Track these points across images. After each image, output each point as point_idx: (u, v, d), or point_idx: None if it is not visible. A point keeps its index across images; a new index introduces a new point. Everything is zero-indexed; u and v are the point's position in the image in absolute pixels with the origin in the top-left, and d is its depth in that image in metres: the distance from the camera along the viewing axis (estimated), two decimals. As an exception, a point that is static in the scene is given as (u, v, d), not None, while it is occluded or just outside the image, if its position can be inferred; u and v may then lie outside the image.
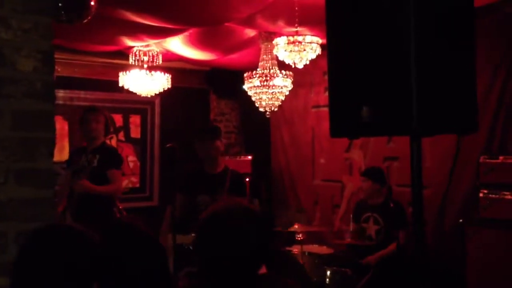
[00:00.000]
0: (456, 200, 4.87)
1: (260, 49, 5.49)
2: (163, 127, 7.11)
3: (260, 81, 5.14)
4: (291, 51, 4.59)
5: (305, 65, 4.76)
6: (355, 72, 1.73)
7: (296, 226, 4.88)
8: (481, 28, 4.34)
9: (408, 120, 1.59)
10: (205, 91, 7.70)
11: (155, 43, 5.85)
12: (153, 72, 5.88)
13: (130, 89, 5.95)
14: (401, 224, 4.63)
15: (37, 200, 1.81)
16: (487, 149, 4.60)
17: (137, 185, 6.98)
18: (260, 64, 5.38)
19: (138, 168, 7.00)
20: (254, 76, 5.18)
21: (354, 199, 5.71)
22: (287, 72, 5.19)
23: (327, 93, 1.86)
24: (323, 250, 5.05)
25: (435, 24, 1.63)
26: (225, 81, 7.45)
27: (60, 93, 6.14)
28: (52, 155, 1.86)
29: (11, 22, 1.81)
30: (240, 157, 7.19)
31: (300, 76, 5.82)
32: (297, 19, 4.62)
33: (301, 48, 4.56)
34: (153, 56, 5.90)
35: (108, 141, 4.72)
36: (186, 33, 5.40)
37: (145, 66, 5.88)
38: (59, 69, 5.86)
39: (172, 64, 6.56)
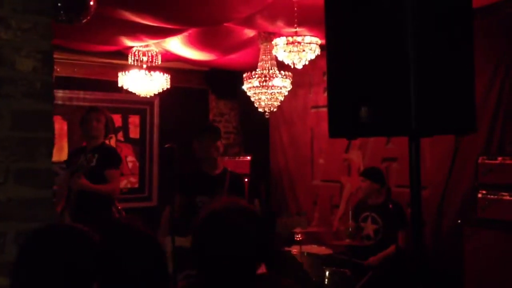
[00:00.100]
0: (454, 201, 4.88)
1: (259, 50, 5.49)
2: (162, 127, 7.11)
3: (259, 82, 5.15)
4: (290, 51, 4.59)
5: (304, 66, 4.76)
6: (354, 72, 1.73)
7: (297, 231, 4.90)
8: (480, 28, 4.34)
9: (406, 121, 1.59)
10: (204, 91, 7.70)
11: (154, 43, 5.85)
12: (152, 72, 5.88)
13: (129, 89, 5.96)
14: (400, 225, 4.64)
15: (36, 200, 1.82)
16: (486, 150, 4.60)
17: (136, 185, 6.99)
18: (259, 64, 5.38)
19: (137, 168, 7.00)
20: (253, 76, 5.18)
21: (353, 200, 5.72)
22: (286, 73, 5.19)
23: (326, 94, 1.86)
24: (322, 250, 5.05)
25: (434, 25, 1.64)
26: (224, 82, 7.45)
27: (59, 93, 6.15)
28: (51, 155, 1.86)
29: (11, 22, 1.81)
30: (239, 158, 7.19)
31: (299, 76, 5.83)
32: (296, 20, 4.63)
33: (300, 48, 4.56)
34: (152, 56, 5.91)
35: (107, 141, 4.72)
36: (186, 33, 5.40)
37: (144, 66, 5.88)
38: (58, 69, 5.87)
39: (171, 64, 6.56)
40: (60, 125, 6.18)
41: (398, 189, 5.08)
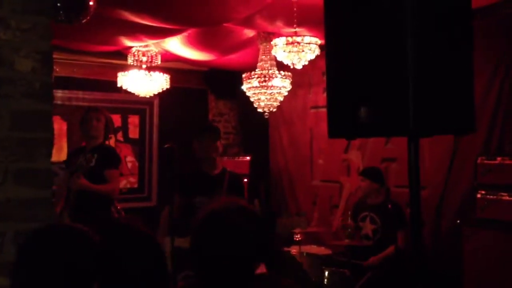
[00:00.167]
0: (453, 201, 4.88)
1: (258, 50, 5.49)
2: (162, 127, 7.11)
3: (259, 82, 5.15)
4: (289, 51, 4.59)
5: (304, 66, 4.76)
6: (353, 72, 1.74)
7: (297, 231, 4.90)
8: (480, 29, 4.34)
9: (405, 121, 1.59)
10: (203, 92, 7.70)
11: (153, 44, 5.85)
12: (151, 72, 5.88)
13: (129, 90, 5.95)
14: (400, 225, 4.64)
15: (35, 200, 1.82)
16: (485, 150, 4.61)
17: (136, 186, 6.99)
18: (258, 64, 5.39)
19: (136, 169, 7.00)
20: (253, 76, 5.18)
21: (352, 200, 5.72)
22: (286, 73, 5.19)
23: (325, 94, 1.86)
24: (322, 250, 5.05)
25: (433, 25, 1.64)
26: (224, 82, 7.45)
27: (59, 93, 6.15)
28: (50, 155, 1.86)
29: (10, 23, 1.81)
30: (238, 158, 7.19)
31: (298, 76, 5.83)
32: (295, 20, 4.63)
33: (299, 48, 4.57)
34: (151, 57, 5.91)
35: (106, 142, 4.72)
36: (185, 34, 5.40)
37: (144, 66, 5.88)
38: (57, 69, 5.87)
39: (170, 65, 6.56)
40: (59, 125, 6.18)
41: (397, 189, 5.08)
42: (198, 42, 5.69)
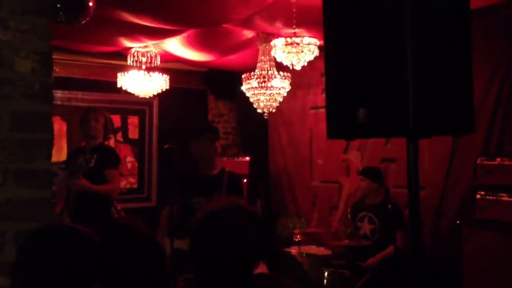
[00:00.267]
0: (453, 202, 4.88)
1: (258, 51, 5.50)
2: (161, 128, 7.11)
3: (258, 83, 5.15)
4: (289, 52, 4.59)
5: (303, 67, 4.76)
6: (352, 73, 1.74)
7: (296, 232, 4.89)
8: (479, 29, 4.35)
9: (404, 122, 1.59)
10: (203, 92, 7.71)
11: (153, 44, 5.85)
12: (151, 73, 5.89)
13: (128, 90, 5.96)
14: (399, 225, 4.64)
15: (35, 201, 1.82)
16: (485, 151, 4.61)
17: (135, 186, 6.99)
18: (258, 65, 5.39)
19: (136, 169, 7.00)
20: (252, 77, 5.19)
21: (352, 200, 5.71)
22: (285, 74, 5.20)
23: (325, 95, 1.87)
24: (321, 251, 5.05)
25: (433, 25, 1.64)
26: (223, 82, 7.46)
27: (58, 94, 6.14)
28: (50, 155, 1.86)
29: (10, 24, 1.81)
30: (238, 158, 7.19)
31: (298, 77, 5.84)
32: (295, 21, 4.63)
33: (299, 49, 4.57)
34: (151, 57, 5.91)
35: (106, 142, 4.72)
36: (185, 34, 5.41)
37: (143, 67, 5.88)
38: (57, 70, 5.86)
39: (170, 65, 6.57)
40: (59, 126, 6.18)
41: (396, 190, 5.09)
42: (197, 43, 5.69)
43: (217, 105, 7.85)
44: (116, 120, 6.70)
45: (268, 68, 5.28)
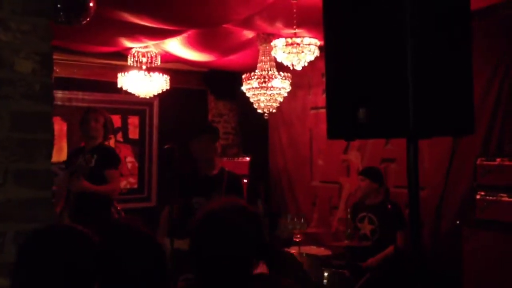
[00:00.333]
0: (453, 202, 4.88)
1: (258, 51, 5.50)
2: (162, 128, 7.11)
3: (259, 83, 5.15)
4: (289, 52, 4.59)
5: (303, 67, 4.76)
6: (353, 73, 1.74)
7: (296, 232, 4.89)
8: (479, 29, 4.35)
9: (404, 122, 1.59)
10: (203, 92, 7.71)
11: (153, 44, 5.86)
12: (151, 73, 5.89)
13: (129, 90, 5.96)
14: (399, 226, 4.64)
15: (35, 201, 1.82)
16: (485, 151, 4.61)
17: (135, 186, 6.99)
18: (258, 65, 5.39)
19: (136, 169, 7.01)
20: (253, 77, 5.19)
21: (352, 201, 5.71)
22: (285, 74, 5.20)
23: (325, 95, 1.87)
24: (321, 251, 5.05)
25: (432, 25, 1.64)
26: (223, 83, 7.46)
27: (59, 94, 6.15)
28: (50, 156, 1.87)
29: (10, 24, 1.81)
30: (238, 158, 7.19)
31: (298, 77, 5.84)
32: (295, 21, 4.63)
33: (299, 49, 4.57)
34: (151, 57, 5.92)
35: (106, 142, 4.72)
36: (185, 35, 5.41)
37: (144, 67, 5.89)
38: (57, 70, 5.86)
39: (170, 65, 6.57)
40: (59, 126, 6.18)
41: (396, 190, 5.09)
42: (197, 43, 5.69)
43: (217, 105, 7.85)
44: (116, 120, 6.70)
45: (269, 69, 5.29)
